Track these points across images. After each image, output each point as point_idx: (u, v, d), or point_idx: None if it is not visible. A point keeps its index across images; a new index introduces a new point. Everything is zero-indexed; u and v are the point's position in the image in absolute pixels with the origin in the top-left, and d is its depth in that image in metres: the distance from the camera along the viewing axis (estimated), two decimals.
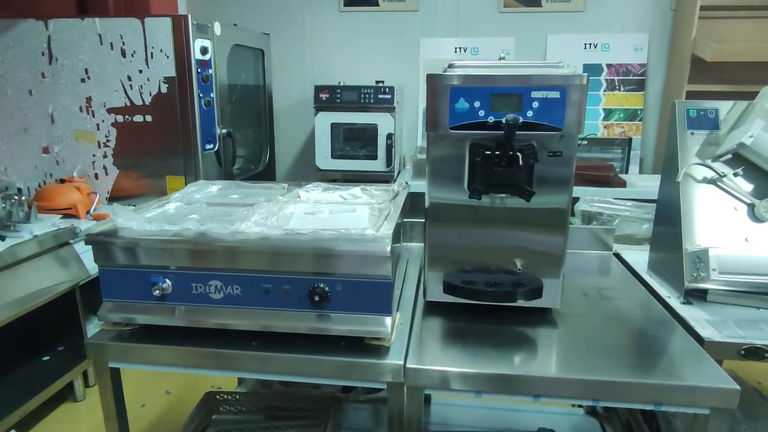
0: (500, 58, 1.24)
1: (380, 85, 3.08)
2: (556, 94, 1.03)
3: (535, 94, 1.04)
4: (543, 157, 1.11)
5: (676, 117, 1.38)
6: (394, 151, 3.10)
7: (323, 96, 3.07)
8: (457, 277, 1.21)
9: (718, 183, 1.32)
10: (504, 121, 1.03)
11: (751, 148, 1.28)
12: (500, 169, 1.08)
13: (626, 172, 3.36)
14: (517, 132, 1.05)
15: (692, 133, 1.35)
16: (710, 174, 1.33)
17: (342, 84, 3.15)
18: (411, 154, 3.49)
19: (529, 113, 1.05)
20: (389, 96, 3.04)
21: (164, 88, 2.47)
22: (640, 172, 3.43)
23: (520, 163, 1.06)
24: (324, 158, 3.13)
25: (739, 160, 1.32)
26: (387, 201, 1.35)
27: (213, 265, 1.10)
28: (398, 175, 3.37)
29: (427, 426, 1.63)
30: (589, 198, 2.07)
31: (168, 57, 2.43)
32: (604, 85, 3.54)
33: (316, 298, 1.07)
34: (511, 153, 1.07)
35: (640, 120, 3.51)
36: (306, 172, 3.65)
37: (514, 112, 1.05)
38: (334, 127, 3.14)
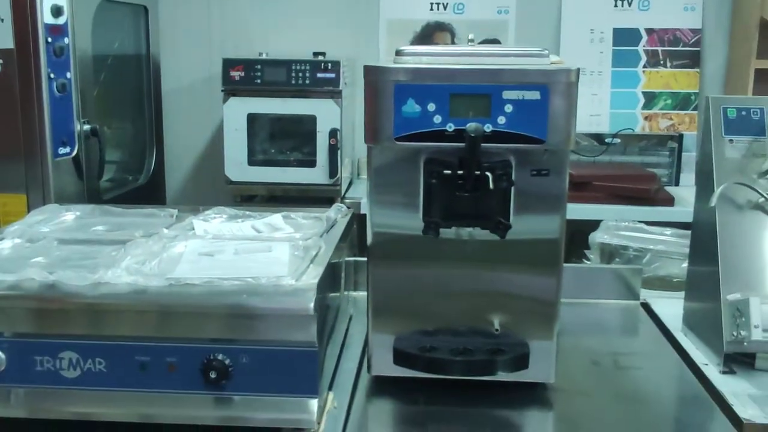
0: (469, 41, 1.33)
1: (320, 59, 3.17)
2: (535, 95, 1.14)
3: (507, 95, 1.15)
4: (524, 176, 1.21)
5: (710, 118, 1.51)
6: (341, 155, 3.19)
7: (236, 74, 3.14)
8: (412, 341, 1.28)
9: (767, 208, 1.47)
10: (465, 132, 1.14)
11: None
12: (464, 194, 1.18)
13: (676, 184, 3.51)
14: (486, 145, 1.15)
15: (731, 141, 1.49)
16: (755, 197, 1.45)
17: (264, 57, 3.23)
18: None
19: (501, 120, 1.16)
20: (333, 75, 3.13)
21: None
22: (697, 183, 3.62)
23: (491, 186, 1.16)
24: (237, 165, 3.22)
25: None
26: (317, 235, 1.42)
27: (66, 331, 1.15)
28: (348, 189, 3.49)
29: None
30: (613, 224, 2.20)
31: (2, 21, 2.47)
32: (644, 58, 3.71)
33: (213, 375, 1.12)
34: (477, 173, 1.17)
35: (694, 109, 3.68)
36: (211, 185, 3.71)
37: (481, 118, 1.15)
38: (253, 119, 3.23)
